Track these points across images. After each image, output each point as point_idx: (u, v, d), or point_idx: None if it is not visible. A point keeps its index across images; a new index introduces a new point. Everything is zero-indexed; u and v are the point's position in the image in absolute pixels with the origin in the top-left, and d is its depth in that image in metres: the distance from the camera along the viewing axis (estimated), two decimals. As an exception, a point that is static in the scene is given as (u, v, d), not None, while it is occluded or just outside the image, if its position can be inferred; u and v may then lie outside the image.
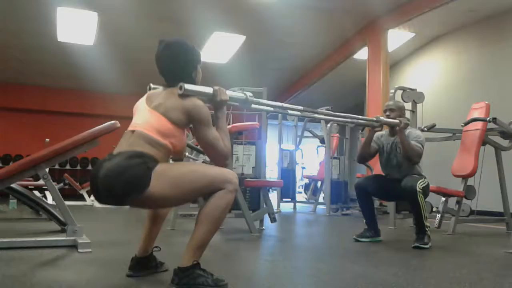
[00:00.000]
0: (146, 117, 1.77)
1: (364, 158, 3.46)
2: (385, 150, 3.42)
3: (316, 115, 2.91)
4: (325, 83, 9.79)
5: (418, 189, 3.06)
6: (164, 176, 1.66)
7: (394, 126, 3.29)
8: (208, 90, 1.85)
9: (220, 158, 1.81)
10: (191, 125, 1.82)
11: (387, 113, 3.38)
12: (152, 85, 2.01)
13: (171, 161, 1.92)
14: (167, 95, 1.80)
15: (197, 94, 1.82)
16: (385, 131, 3.51)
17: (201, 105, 1.78)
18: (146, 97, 1.88)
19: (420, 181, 3.12)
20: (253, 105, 2.22)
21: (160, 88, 1.91)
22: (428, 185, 3.19)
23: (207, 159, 4.38)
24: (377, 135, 3.46)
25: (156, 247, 2.02)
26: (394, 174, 3.37)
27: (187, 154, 3.84)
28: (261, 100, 2.31)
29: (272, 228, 4.18)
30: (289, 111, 2.75)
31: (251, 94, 2.16)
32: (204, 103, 1.82)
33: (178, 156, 1.87)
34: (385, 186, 3.39)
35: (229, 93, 1.97)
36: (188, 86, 1.76)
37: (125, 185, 1.61)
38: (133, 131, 1.77)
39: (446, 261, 2.64)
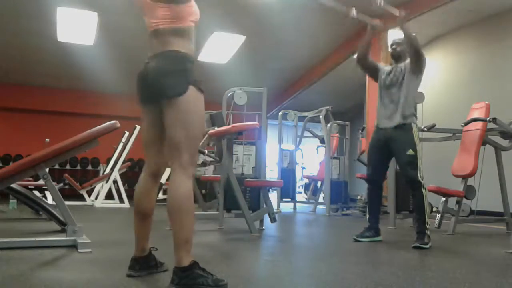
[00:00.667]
0: (157, 13, 1.83)
1: (361, 60, 3.49)
2: (383, 81, 3.43)
3: None
4: (325, 83, 9.79)
5: (419, 180, 3.10)
6: (192, 102, 1.75)
7: (395, 54, 3.37)
8: None
9: None
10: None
11: (394, 46, 3.43)
12: None
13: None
14: None
15: None
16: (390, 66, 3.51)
17: None
18: None
19: (419, 174, 3.16)
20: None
21: None
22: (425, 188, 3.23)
23: (207, 159, 4.38)
24: (380, 64, 3.54)
25: (152, 247, 2.02)
26: (389, 112, 3.33)
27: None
28: None
29: (272, 228, 4.18)
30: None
31: None
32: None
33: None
34: (383, 155, 3.40)
35: None
36: None
37: (174, 77, 1.74)
38: (156, 30, 1.84)
39: (446, 261, 2.64)
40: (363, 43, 3.43)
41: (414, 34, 3.23)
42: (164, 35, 1.81)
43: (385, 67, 3.53)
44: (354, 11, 3.27)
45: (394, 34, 7.47)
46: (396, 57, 3.42)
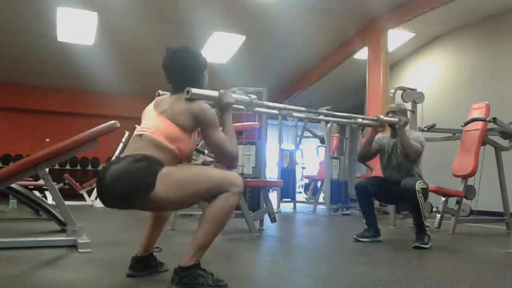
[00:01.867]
0: (154, 122, 1.80)
1: (364, 158, 3.51)
2: (386, 151, 3.43)
3: (319, 117, 2.93)
4: (325, 83, 9.78)
5: (417, 189, 3.07)
6: (169, 179, 1.66)
7: (393, 124, 3.31)
8: (214, 93, 1.88)
9: (228, 159, 1.83)
10: (198, 128, 1.84)
11: (390, 115, 3.40)
12: (160, 92, 2.04)
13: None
14: (174, 100, 1.83)
15: (204, 98, 1.85)
16: (387, 133, 3.53)
17: (208, 108, 1.80)
18: (154, 102, 1.91)
19: (420, 181, 3.13)
20: (256, 108, 2.25)
21: (168, 94, 1.95)
22: (427, 187, 3.20)
23: (207, 159, 4.38)
24: (378, 137, 3.48)
25: (157, 247, 2.03)
26: (394, 175, 3.37)
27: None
28: (264, 102, 2.34)
29: (272, 228, 4.18)
30: (293, 113, 2.77)
31: (255, 97, 2.18)
32: (211, 106, 1.85)
33: (184, 161, 1.88)
34: (385, 188, 3.40)
35: (235, 96, 1.99)
36: (194, 90, 1.79)
37: (130, 187, 1.63)
38: (140, 135, 1.80)
39: (446, 261, 2.64)
40: (368, 141, 3.43)
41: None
42: (146, 142, 1.77)
43: (383, 140, 3.49)
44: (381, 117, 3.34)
45: (394, 34, 7.48)
46: (393, 126, 3.38)
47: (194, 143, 1.95)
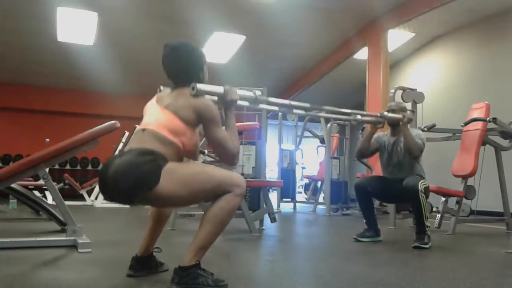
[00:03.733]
0: (157, 116, 1.80)
1: (362, 154, 3.50)
2: (386, 149, 3.43)
3: (321, 114, 2.94)
4: (325, 83, 9.79)
5: (420, 189, 3.06)
6: (173, 175, 1.66)
7: (397, 121, 3.31)
8: (219, 89, 1.87)
9: (228, 157, 1.83)
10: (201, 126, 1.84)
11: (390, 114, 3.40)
12: (162, 87, 2.03)
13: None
14: (177, 95, 1.83)
15: (209, 94, 1.84)
16: (386, 131, 3.52)
17: (211, 104, 1.80)
18: (156, 97, 1.91)
19: (422, 181, 3.13)
20: (261, 105, 2.24)
21: (169, 89, 1.94)
22: (428, 187, 3.20)
23: (207, 159, 4.38)
24: (378, 135, 3.48)
25: (156, 248, 2.03)
26: (395, 174, 3.37)
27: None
28: (269, 99, 2.33)
29: (272, 228, 4.18)
30: (295, 110, 2.78)
31: (260, 93, 2.16)
32: (214, 103, 1.84)
33: (189, 157, 1.87)
34: (385, 187, 3.40)
35: (240, 92, 1.98)
36: (200, 86, 1.78)
37: (134, 182, 1.62)
38: (144, 130, 1.79)
39: (446, 261, 2.64)
40: (367, 137, 3.43)
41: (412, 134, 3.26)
42: (149, 136, 1.76)
43: (384, 138, 3.48)
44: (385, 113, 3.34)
45: (394, 34, 7.48)
46: (393, 124, 3.39)
47: (198, 141, 1.93)
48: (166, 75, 1.90)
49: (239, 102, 2.00)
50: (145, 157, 1.66)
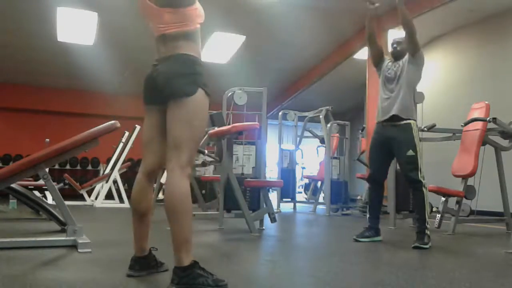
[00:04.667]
0: (163, 17, 1.82)
1: (370, 36, 3.68)
2: (387, 73, 3.50)
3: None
4: (325, 83, 9.79)
5: (421, 179, 3.11)
6: (198, 104, 1.76)
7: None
8: None
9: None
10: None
11: (394, 45, 3.53)
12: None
13: None
14: None
15: None
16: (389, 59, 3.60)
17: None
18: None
19: (419, 174, 3.17)
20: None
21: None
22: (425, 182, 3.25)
23: (207, 159, 4.37)
24: (386, 57, 3.64)
25: (153, 247, 2.02)
26: (389, 108, 3.36)
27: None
28: None
29: (272, 228, 4.18)
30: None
31: None
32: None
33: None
34: (384, 158, 3.43)
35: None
36: None
37: (180, 83, 1.74)
38: (163, 35, 1.83)
39: (446, 261, 2.64)
40: (368, 19, 3.59)
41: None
42: (173, 39, 1.81)
43: (388, 61, 3.61)
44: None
45: (394, 34, 7.47)
46: (397, 55, 3.48)
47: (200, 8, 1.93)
48: None
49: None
50: (187, 68, 1.78)
